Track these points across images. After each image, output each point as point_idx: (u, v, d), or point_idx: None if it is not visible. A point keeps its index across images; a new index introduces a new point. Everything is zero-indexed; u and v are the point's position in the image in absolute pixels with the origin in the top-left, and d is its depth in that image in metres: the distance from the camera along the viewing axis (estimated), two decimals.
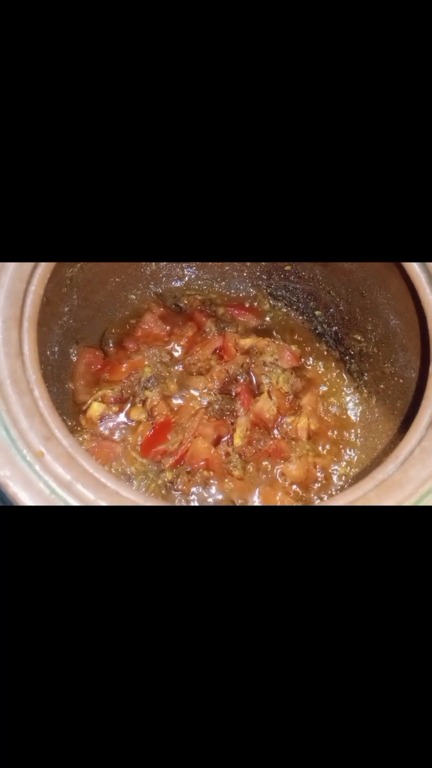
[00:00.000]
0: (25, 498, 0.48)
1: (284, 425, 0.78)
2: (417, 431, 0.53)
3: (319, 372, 0.84)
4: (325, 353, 0.84)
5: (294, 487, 0.76)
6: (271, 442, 0.77)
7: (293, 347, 0.83)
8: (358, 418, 0.81)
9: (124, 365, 0.79)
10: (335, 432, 0.81)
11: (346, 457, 0.79)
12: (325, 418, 0.81)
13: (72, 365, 0.77)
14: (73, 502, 0.48)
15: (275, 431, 0.78)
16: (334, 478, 0.78)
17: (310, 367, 0.84)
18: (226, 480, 0.75)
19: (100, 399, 0.76)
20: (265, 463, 0.76)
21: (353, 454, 0.79)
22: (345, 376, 0.83)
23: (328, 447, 0.79)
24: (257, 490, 0.75)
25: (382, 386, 0.78)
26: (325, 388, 0.83)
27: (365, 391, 0.81)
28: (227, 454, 0.76)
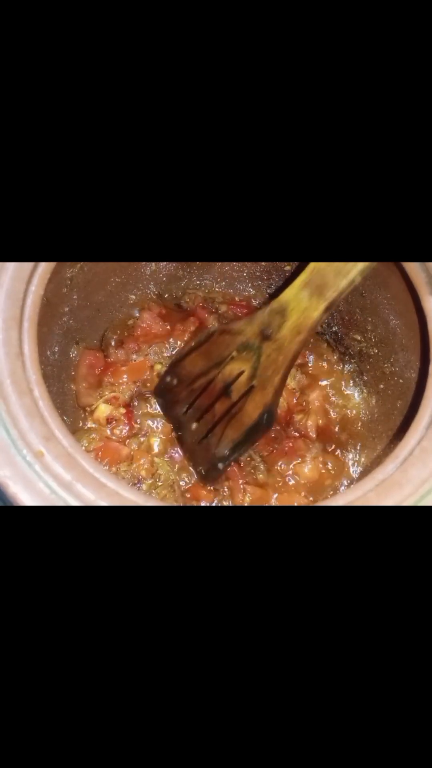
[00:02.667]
0: (25, 498, 0.48)
1: (295, 423, 0.78)
2: (417, 431, 0.53)
3: (322, 368, 0.83)
4: (325, 353, 0.84)
5: (310, 497, 0.76)
6: (288, 441, 0.76)
7: None
8: (358, 419, 0.81)
9: (125, 366, 0.79)
10: (337, 427, 0.80)
11: (350, 457, 0.79)
12: (331, 415, 0.81)
13: (72, 366, 0.77)
14: (73, 502, 0.48)
15: (292, 432, 0.78)
16: (351, 472, 0.77)
17: (311, 366, 0.84)
18: (247, 492, 0.74)
19: (108, 402, 0.77)
20: (280, 463, 0.76)
21: (354, 454, 0.79)
22: (345, 376, 0.83)
23: (336, 444, 0.79)
24: (275, 496, 0.74)
25: (382, 386, 0.78)
26: (326, 382, 0.82)
27: (365, 391, 0.81)
28: (249, 458, 0.75)
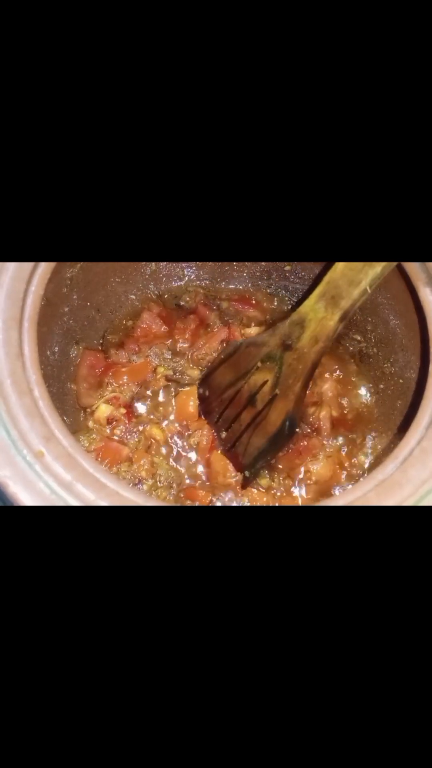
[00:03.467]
0: (25, 498, 0.48)
1: (307, 417, 0.77)
2: (417, 431, 0.53)
3: (333, 362, 0.83)
4: (331, 351, 0.84)
5: (315, 492, 0.75)
6: (303, 439, 0.76)
7: None
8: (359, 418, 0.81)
9: (126, 368, 0.79)
10: (353, 423, 0.80)
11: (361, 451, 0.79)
12: (344, 407, 0.80)
13: (73, 366, 0.77)
14: (74, 502, 0.48)
15: (305, 427, 0.77)
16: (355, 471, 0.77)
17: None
18: (246, 496, 0.73)
19: (109, 402, 0.77)
20: (291, 465, 0.75)
21: (364, 450, 0.79)
22: (349, 376, 0.83)
23: (351, 437, 0.78)
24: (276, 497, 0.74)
25: (382, 386, 0.78)
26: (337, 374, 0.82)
27: (365, 390, 0.81)
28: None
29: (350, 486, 0.74)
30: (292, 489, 0.75)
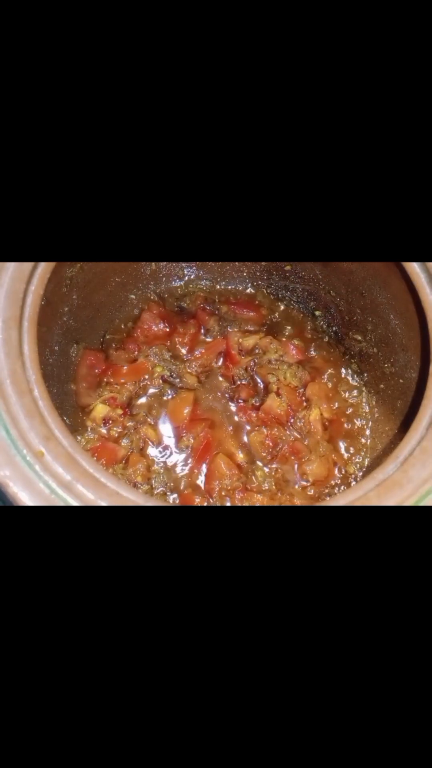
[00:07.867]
0: (25, 498, 0.48)
1: (297, 422, 0.78)
2: (417, 431, 0.53)
3: (324, 364, 0.83)
4: (325, 353, 0.84)
5: (312, 491, 0.75)
6: (289, 443, 0.76)
7: (295, 341, 0.83)
8: (358, 417, 0.81)
9: (125, 367, 0.79)
10: (349, 424, 0.80)
11: (354, 454, 0.79)
12: (335, 408, 0.81)
13: (72, 365, 0.77)
14: (73, 502, 0.48)
15: (293, 432, 0.78)
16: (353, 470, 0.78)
17: (314, 356, 0.84)
18: (245, 499, 0.74)
19: (106, 402, 0.77)
20: (286, 467, 0.76)
21: (357, 452, 0.79)
22: (345, 376, 0.83)
23: (347, 442, 0.79)
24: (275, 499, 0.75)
25: (382, 386, 0.78)
26: (326, 377, 0.83)
27: (365, 391, 0.81)
28: (242, 466, 0.75)
29: (345, 486, 0.75)
30: (290, 489, 0.75)
